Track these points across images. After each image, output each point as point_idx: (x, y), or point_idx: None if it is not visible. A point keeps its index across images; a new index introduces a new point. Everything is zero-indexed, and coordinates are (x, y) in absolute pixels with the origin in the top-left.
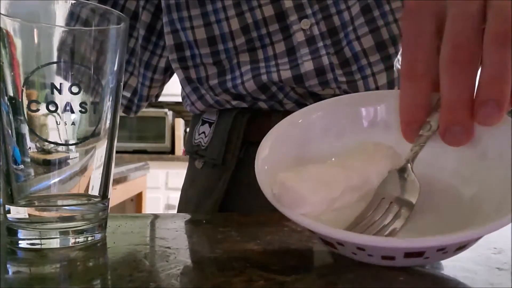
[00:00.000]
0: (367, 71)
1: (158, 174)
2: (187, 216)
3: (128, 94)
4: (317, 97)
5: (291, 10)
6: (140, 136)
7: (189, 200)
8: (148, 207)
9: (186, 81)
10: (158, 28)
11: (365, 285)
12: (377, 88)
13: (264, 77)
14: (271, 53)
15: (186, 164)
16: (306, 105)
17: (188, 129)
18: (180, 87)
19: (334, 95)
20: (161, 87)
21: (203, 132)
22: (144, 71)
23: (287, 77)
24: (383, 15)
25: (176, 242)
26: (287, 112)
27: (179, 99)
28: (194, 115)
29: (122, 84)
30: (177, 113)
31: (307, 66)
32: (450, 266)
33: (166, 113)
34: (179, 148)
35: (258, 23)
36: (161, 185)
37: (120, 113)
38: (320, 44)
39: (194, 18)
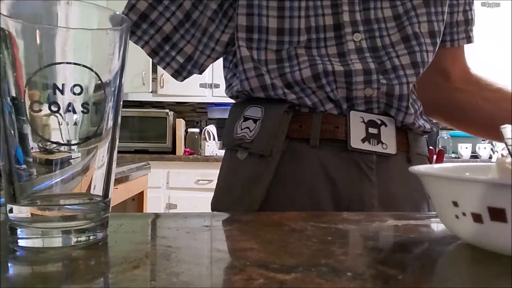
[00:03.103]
0: (403, 79)
1: (159, 173)
2: (188, 215)
3: (181, 60)
4: (351, 102)
5: (347, 24)
6: (141, 136)
7: (231, 187)
8: (149, 207)
9: (250, 58)
10: (225, 6)
11: (364, 284)
12: (407, 94)
13: (320, 67)
14: (323, 52)
15: (186, 164)
16: (342, 108)
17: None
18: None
19: (371, 96)
20: (215, 60)
21: (247, 128)
22: (208, 41)
23: (340, 70)
24: (419, 44)
25: (176, 241)
26: (325, 113)
27: (180, 100)
28: (234, 112)
29: (123, 84)
30: (178, 114)
31: (357, 66)
32: (450, 266)
33: (167, 114)
34: (180, 148)
35: (319, 28)
36: (162, 185)
37: (122, 113)
38: (367, 54)
39: (271, 9)
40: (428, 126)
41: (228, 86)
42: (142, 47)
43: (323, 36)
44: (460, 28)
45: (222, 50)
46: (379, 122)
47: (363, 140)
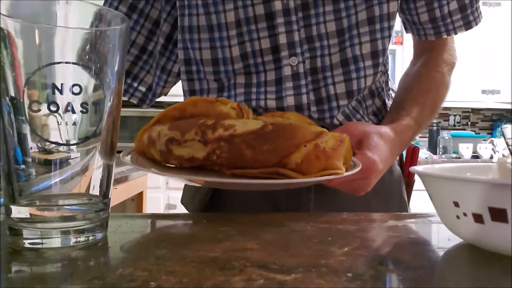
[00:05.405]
0: (335, 111)
1: None
2: (188, 216)
3: (143, 89)
4: None
5: (284, 46)
6: None
7: (190, 187)
8: (149, 207)
9: (189, 92)
10: (175, 37)
11: (364, 285)
12: (339, 125)
13: (254, 103)
14: (263, 79)
15: None
16: None
17: None
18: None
19: None
20: (172, 86)
21: None
22: (160, 74)
23: (272, 106)
24: (357, 70)
25: (176, 241)
26: None
27: (180, 100)
28: None
29: (123, 84)
30: None
31: (289, 101)
32: (450, 266)
33: None
34: None
35: (256, 53)
36: (162, 185)
37: (121, 113)
38: (303, 82)
39: (203, 41)
40: None
41: None
42: None
43: (260, 61)
44: (456, 17)
45: (174, 80)
46: None
47: None
